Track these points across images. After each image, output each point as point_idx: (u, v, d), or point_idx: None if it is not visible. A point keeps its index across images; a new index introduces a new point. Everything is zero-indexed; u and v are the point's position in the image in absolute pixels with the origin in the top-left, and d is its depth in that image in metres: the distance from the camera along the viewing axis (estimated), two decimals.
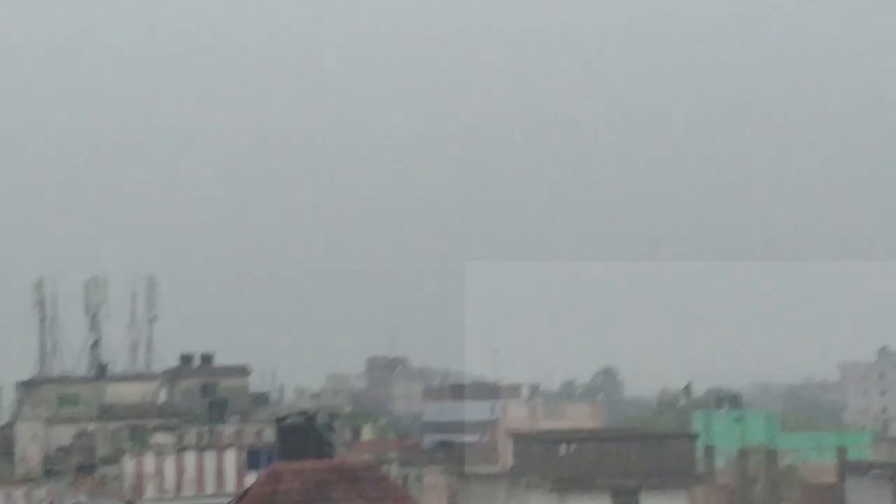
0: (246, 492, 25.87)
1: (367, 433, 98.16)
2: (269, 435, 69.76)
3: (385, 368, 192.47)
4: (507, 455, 64.45)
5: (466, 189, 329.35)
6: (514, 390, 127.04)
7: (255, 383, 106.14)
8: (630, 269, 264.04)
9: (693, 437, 58.90)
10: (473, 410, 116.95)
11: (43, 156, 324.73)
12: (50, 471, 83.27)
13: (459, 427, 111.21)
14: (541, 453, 55.53)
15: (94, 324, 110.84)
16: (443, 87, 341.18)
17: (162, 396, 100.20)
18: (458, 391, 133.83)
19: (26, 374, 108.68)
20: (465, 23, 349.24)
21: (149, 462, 70.10)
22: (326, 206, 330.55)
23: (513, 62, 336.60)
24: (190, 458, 70.67)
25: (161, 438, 75.41)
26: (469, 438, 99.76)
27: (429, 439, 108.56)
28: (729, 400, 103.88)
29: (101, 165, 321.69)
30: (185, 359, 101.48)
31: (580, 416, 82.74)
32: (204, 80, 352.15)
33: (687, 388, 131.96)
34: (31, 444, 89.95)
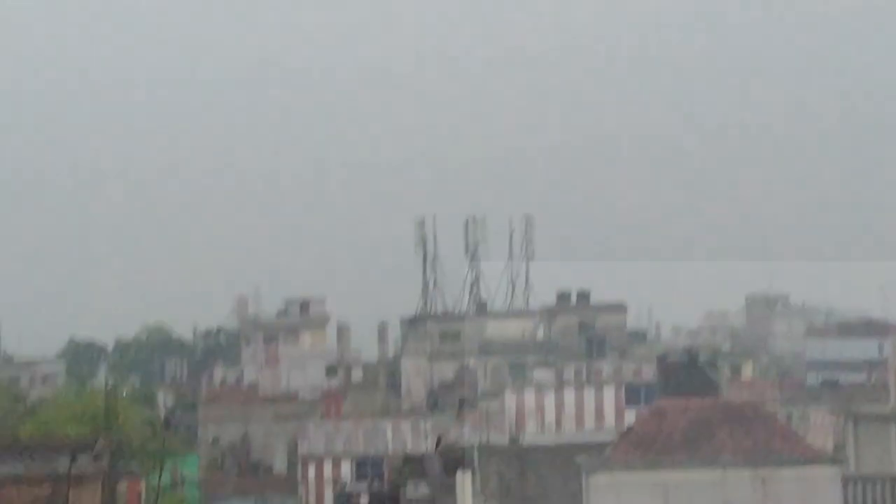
0: (630, 428, 25.34)
1: (747, 372, 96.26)
2: (648, 372, 69.10)
3: (765, 305, 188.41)
4: None
5: None
6: None
7: (631, 320, 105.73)
8: None
9: None
10: (860, 349, 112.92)
11: (424, 100, 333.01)
12: (434, 404, 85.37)
13: (845, 366, 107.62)
14: None
15: (473, 262, 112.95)
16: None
17: (540, 333, 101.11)
18: (844, 329, 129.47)
19: (410, 311, 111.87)
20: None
21: (529, 398, 70.75)
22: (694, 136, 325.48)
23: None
24: (569, 395, 70.92)
25: (540, 375, 75.93)
26: (855, 377, 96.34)
27: (812, 378, 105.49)
28: None
29: (477, 104, 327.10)
30: (563, 296, 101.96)
31: None
32: None
33: None
34: (415, 379, 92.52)
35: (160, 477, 46.91)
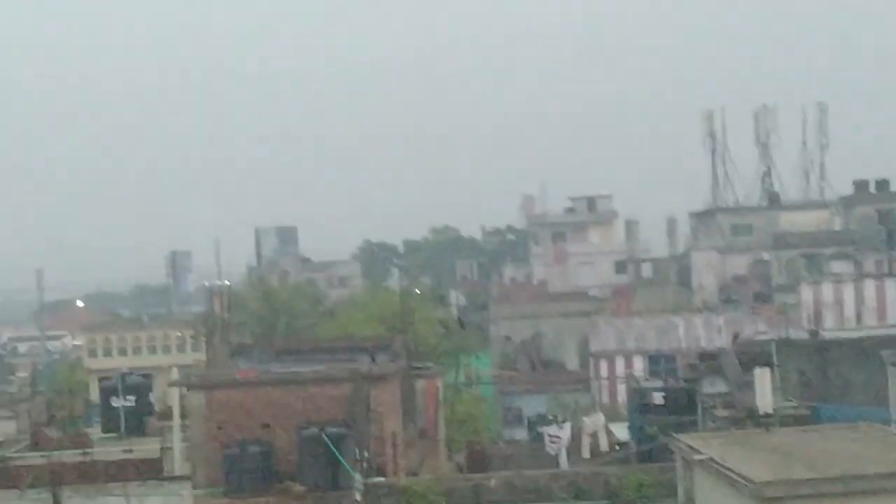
0: None
1: None
2: None
3: None
4: None
5: None
6: None
7: None
8: None
9: None
10: None
11: None
12: (727, 299, 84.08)
13: None
14: None
15: (764, 152, 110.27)
16: None
17: (836, 224, 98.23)
18: None
19: (700, 204, 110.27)
20: None
21: (827, 291, 68.82)
22: None
23: None
24: (869, 287, 68.67)
25: (838, 267, 73.82)
26: None
27: None
28: None
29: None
30: (860, 185, 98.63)
31: None
32: None
33: None
34: (706, 273, 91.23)
35: (456, 375, 47.58)
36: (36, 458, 38.18)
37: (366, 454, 30.62)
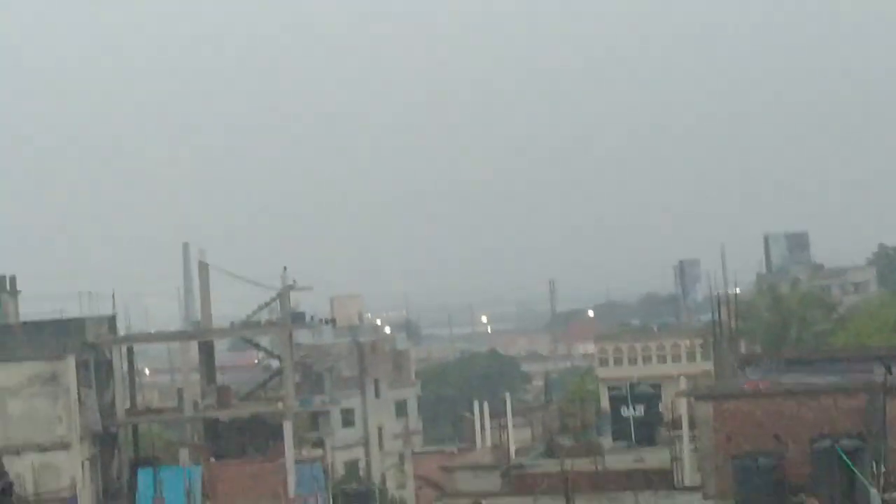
0: None
1: None
2: None
3: None
4: None
5: None
6: None
7: None
8: None
9: None
10: None
11: None
12: None
13: None
14: None
15: None
16: None
17: None
18: None
19: None
20: None
21: None
22: None
23: None
24: None
25: None
26: None
27: None
28: None
29: None
30: None
31: None
32: None
33: None
34: None
35: None
36: (550, 466, 39.06)
37: (883, 468, 29.31)
